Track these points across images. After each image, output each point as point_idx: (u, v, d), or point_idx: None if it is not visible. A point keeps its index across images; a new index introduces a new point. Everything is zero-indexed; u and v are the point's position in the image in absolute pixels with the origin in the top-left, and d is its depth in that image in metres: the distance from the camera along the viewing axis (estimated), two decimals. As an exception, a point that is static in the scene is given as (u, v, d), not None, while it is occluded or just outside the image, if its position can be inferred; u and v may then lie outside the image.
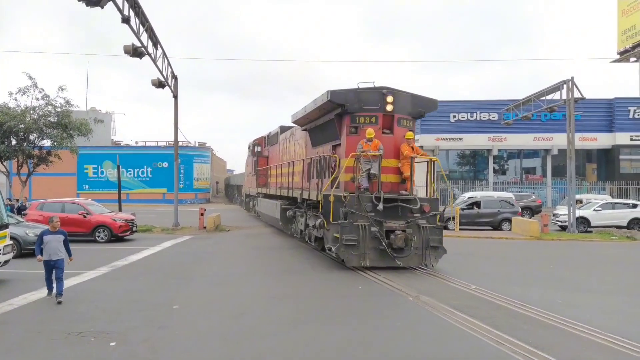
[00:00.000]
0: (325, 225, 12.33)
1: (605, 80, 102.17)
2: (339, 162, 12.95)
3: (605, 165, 41.22)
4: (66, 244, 8.96)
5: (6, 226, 10.84)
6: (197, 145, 55.49)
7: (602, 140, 39.49)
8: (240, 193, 42.80)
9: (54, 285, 8.88)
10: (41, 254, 8.86)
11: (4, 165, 25.08)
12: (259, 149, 27.15)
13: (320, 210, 12.66)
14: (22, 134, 23.65)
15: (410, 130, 12.88)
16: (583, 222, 23.45)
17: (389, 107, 12.50)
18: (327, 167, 13.55)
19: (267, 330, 7.24)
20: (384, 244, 11.45)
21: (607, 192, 36.26)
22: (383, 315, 8.12)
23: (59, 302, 8.57)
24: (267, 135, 25.62)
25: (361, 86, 12.77)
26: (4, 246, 10.46)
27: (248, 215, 32.13)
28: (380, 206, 11.54)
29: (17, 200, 22.54)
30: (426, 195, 13.37)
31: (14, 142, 23.97)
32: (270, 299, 9.22)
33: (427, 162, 12.95)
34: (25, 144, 24.01)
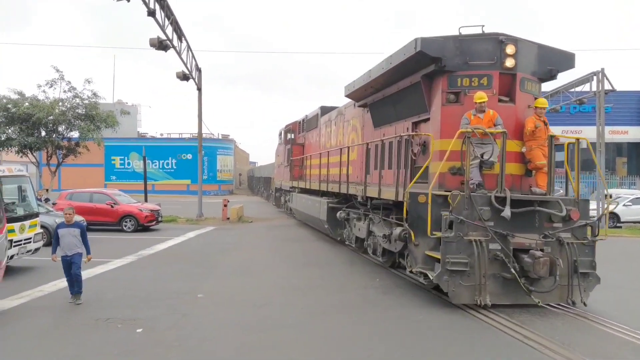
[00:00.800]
0: (413, 237, 8.29)
1: (638, 71, 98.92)
2: (427, 146, 9.52)
3: (635, 159, 40.06)
4: (84, 238, 8.14)
5: (37, 215, 11.18)
6: (220, 137, 56.01)
7: (633, 133, 38.33)
8: (267, 186, 40.11)
9: (73, 284, 8.09)
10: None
11: (34, 156, 25.73)
12: (292, 135, 23.68)
13: (404, 215, 8.46)
14: (51, 125, 24.22)
15: (537, 97, 9.14)
16: (612, 217, 22.89)
17: (509, 62, 8.62)
18: (406, 154, 9.42)
19: (289, 321, 7.31)
20: (513, 270, 7.54)
21: (637, 187, 35.29)
22: (403, 308, 8.08)
23: (78, 304, 7.89)
24: (303, 119, 21.93)
25: (464, 32, 8.95)
26: (35, 234, 10.78)
27: (276, 210, 30.13)
28: (507, 212, 7.69)
29: (47, 190, 23.15)
30: (553, 192, 8.86)
31: (43, 133, 24.57)
32: (292, 290, 9.28)
33: (569, 143, 9.37)
34: (54, 135, 24.59)
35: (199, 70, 23.75)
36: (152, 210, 19.40)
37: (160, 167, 51.83)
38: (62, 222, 8.27)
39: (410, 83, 9.88)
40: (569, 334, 6.74)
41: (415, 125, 10.24)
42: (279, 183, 27.57)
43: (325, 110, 18.40)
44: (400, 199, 8.93)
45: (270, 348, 6.15)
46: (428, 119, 9.56)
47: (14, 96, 24.08)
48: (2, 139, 24.00)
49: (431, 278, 7.95)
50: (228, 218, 23.26)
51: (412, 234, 8.33)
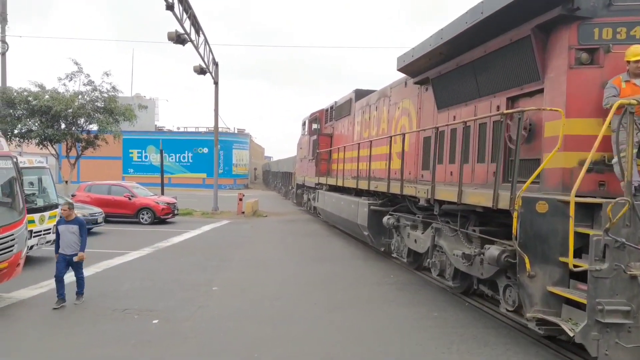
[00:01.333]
0: (528, 266, 5.64)
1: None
2: (534, 130, 6.75)
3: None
4: (82, 234, 7.67)
5: (56, 206, 11.35)
6: (236, 131, 56.28)
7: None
8: (285, 182, 37.33)
9: (74, 284, 7.73)
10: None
11: (54, 148, 26.15)
12: (317, 125, 21.01)
13: (514, 232, 5.77)
14: (70, 118, 24.56)
15: None
16: None
17: None
18: (515, 142, 6.43)
19: (302, 314, 7.34)
20: None
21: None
22: (418, 304, 8.04)
23: (75, 304, 7.55)
24: (332, 106, 19.35)
25: None
26: (54, 225, 10.94)
27: (294, 207, 28.84)
28: None
29: (67, 182, 23.52)
30: None
31: (63, 126, 24.93)
32: (305, 284, 9.32)
33: None
34: (73, 128, 24.94)
35: (215, 64, 23.85)
36: (168, 203, 19.61)
37: (177, 160, 52.29)
38: (61, 219, 7.86)
39: (511, 41, 7.05)
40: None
41: (512, 101, 7.43)
42: (302, 179, 24.58)
43: (361, 94, 15.78)
44: (500, 206, 6.20)
45: (284, 341, 6.18)
46: (538, 91, 6.78)
47: (35, 89, 24.48)
48: (23, 131, 24.43)
49: (570, 334, 5.14)
50: (243, 212, 23.40)
51: (527, 261, 5.65)
